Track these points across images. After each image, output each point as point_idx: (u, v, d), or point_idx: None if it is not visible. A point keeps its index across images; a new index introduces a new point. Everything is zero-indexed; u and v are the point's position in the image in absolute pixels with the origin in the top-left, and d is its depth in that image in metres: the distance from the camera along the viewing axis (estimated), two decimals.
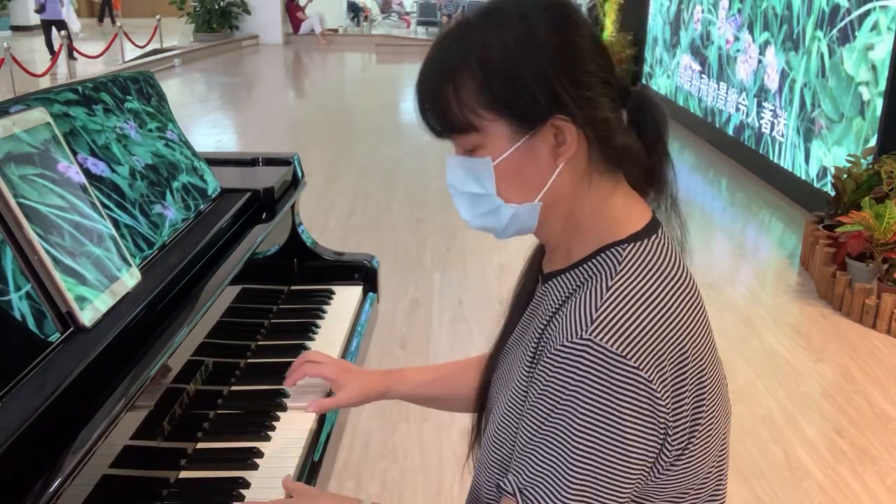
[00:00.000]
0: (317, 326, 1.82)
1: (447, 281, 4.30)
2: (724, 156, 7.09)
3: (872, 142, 4.70)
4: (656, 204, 1.02)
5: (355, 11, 20.96)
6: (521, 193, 0.96)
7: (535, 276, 1.10)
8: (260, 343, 1.73)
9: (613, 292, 0.90)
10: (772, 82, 6.27)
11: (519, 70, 0.91)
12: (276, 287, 1.95)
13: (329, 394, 1.46)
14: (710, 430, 0.94)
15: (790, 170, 5.85)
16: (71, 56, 12.91)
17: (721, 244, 5.12)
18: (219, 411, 1.47)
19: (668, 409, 0.87)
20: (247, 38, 16.92)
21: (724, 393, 0.99)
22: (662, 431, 0.87)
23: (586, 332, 0.87)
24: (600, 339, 0.86)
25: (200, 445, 1.37)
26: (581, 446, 0.85)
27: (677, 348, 0.90)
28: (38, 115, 1.30)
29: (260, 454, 1.34)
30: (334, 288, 2.01)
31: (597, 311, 0.88)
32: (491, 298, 4.06)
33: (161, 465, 1.27)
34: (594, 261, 0.96)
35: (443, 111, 0.95)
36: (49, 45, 13.69)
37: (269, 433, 1.41)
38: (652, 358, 0.87)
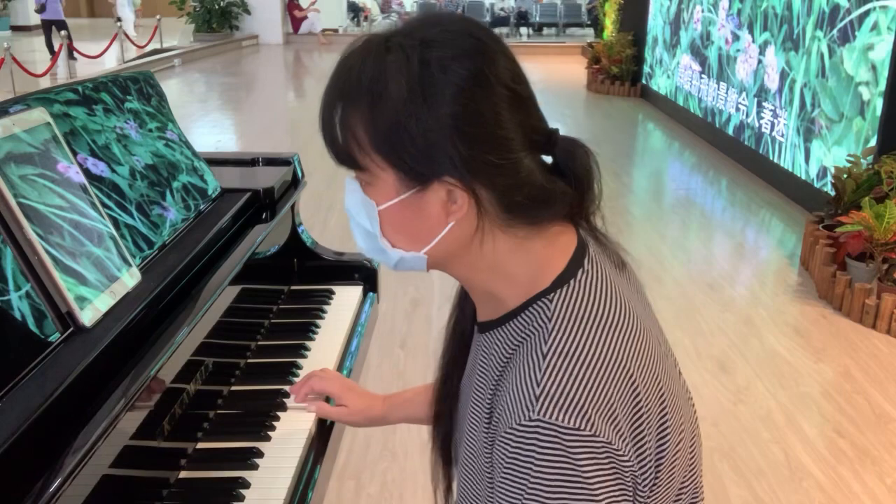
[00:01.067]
0: (317, 326, 1.82)
1: (447, 281, 4.28)
2: (724, 156, 7.09)
3: (872, 142, 4.70)
4: (582, 228, 0.95)
5: (355, 11, 20.96)
6: (407, 243, 0.91)
7: (467, 318, 1.06)
8: (260, 343, 1.73)
9: (550, 359, 0.84)
10: (772, 82, 6.27)
11: (408, 122, 0.83)
12: (276, 287, 1.95)
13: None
14: (677, 455, 0.91)
15: (790, 170, 5.85)
16: (71, 56, 12.91)
17: (721, 244, 5.12)
18: (219, 411, 1.47)
19: (631, 460, 0.83)
20: (247, 38, 16.93)
21: (686, 408, 0.94)
22: (631, 483, 0.84)
23: (533, 412, 0.81)
24: (548, 418, 0.81)
25: (200, 445, 1.37)
26: None
27: (629, 395, 0.85)
28: (38, 115, 1.30)
29: (260, 454, 1.34)
30: (334, 288, 2.01)
31: (538, 385, 0.82)
32: None
33: (161, 465, 1.27)
34: (525, 315, 0.89)
35: (336, 143, 0.89)
36: (49, 45, 13.70)
37: (269, 433, 1.41)
38: (605, 419, 0.82)
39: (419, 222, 0.88)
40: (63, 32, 12.84)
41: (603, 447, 0.81)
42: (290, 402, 1.49)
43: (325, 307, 1.92)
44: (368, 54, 0.86)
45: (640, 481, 0.85)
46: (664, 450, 0.88)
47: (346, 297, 1.99)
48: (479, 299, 0.97)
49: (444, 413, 1.09)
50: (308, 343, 1.74)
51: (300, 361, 1.66)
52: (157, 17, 15.40)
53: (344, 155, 0.89)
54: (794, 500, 2.57)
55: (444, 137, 0.83)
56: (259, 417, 1.44)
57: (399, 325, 3.73)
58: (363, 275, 2.09)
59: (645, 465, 0.86)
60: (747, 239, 5.26)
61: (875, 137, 4.69)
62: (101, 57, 12.74)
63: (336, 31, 19.03)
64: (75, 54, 13.05)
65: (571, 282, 0.89)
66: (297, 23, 17.79)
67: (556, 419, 0.81)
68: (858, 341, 3.70)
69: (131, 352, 1.19)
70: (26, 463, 0.94)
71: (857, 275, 3.96)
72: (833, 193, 4.60)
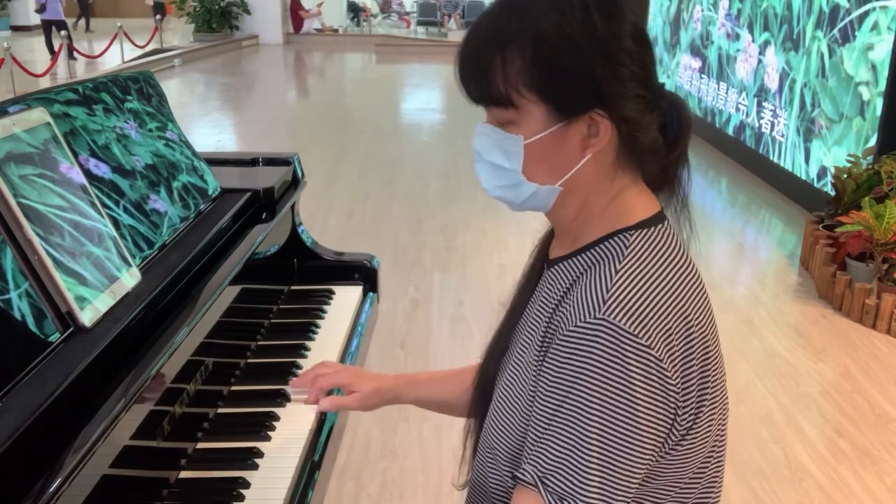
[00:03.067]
0: (317, 326, 1.82)
1: (447, 281, 4.30)
2: (724, 156, 7.09)
3: (872, 142, 4.70)
4: (667, 203, 1.04)
5: (355, 11, 20.96)
6: (544, 176, 0.97)
7: (541, 263, 1.11)
8: (260, 343, 1.73)
9: (623, 274, 0.92)
10: (772, 82, 6.27)
11: (571, 59, 0.92)
12: (276, 287, 1.95)
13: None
14: (713, 411, 0.96)
15: (790, 170, 5.85)
16: (71, 56, 12.92)
17: (721, 244, 5.11)
18: (219, 411, 1.47)
19: (677, 387, 0.89)
20: (247, 38, 16.93)
21: (724, 382, 1.00)
22: (673, 408, 0.89)
23: (599, 311, 0.88)
24: (613, 318, 0.87)
25: (200, 445, 1.37)
26: (596, 427, 0.86)
27: (684, 329, 0.92)
28: (38, 115, 1.30)
29: (260, 454, 1.34)
30: (334, 288, 2.01)
31: (608, 291, 0.90)
32: (491, 298, 4.06)
33: (161, 465, 1.27)
34: (602, 245, 0.97)
35: (486, 81, 0.95)
36: (49, 45, 13.70)
37: (269, 433, 1.41)
38: (662, 336, 0.88)
39: (559, 156, 0.96)
40: (63, 32, 12.85)
41: (656, 362, 0.87)
42: (293, 397, 1.49)
43: (325, 307, 1.92)
44: (528, 4, 0.94)
45: (680, 413, 0.90)
46: (703, 397, 0.94)
47: (346, 297, 1.99)
48: (564, 236, 1.04)
49: (492, 365, 1.12)
50: (308, 343, 1.74)
51: (300, 361, 1.66)
52: (158, 16, 15.40)
53: (497, 95, 0.94)
54: (794, 500, 2.57)
55: (598, 72, 0.92)
56: (259, 417, 1.44)
57: (399, 325, 3.73)
58: (363, 275, 2.09)
59: (688, 399, 0.91)
60: (747, 239, 5.26)
61: (875, 137, 4.69)
62: (101, 57, 12.75)
63: (336, 30, 19.03)
64: (75, 54, 13.05)
65: (652, 228, 0.98)
66: (299, 22, 17.78)
67: (620, 321, 0.87)
68: (858, 341, 3.70)
69: (131, 352, 1.19)
70: (26, 463, 0.94)
71: (857, 275, 3.96)
72: (833, 193, 4.60)
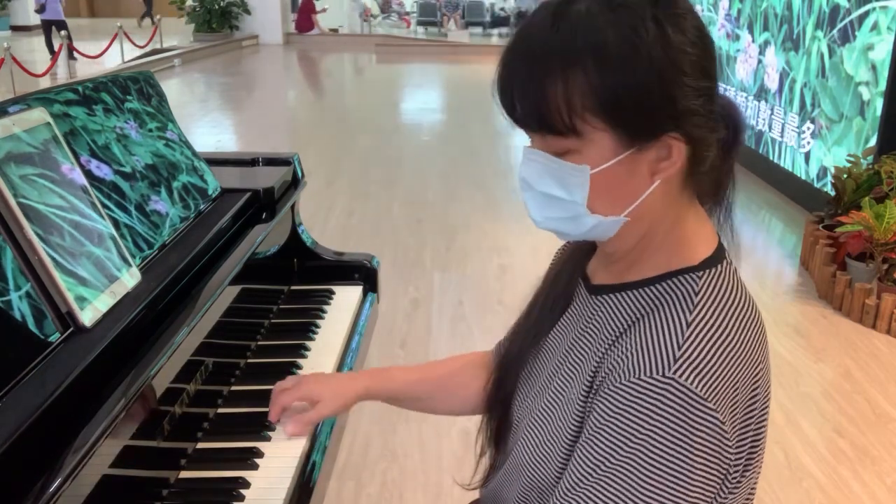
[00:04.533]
0: (317, 326, 1.82)
1: (447, 281, 4.30)
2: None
3: (872, 142, 4.70)
4: (710, 212, 0.98)
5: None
6: (609, 206, 0.89)
7: (572, 279, 1.04)
8: (260, 343, 1.73)
9: (695, 328, 0.85)
10: (772, 82, 6.26)
11: (644, 80, 0.81)
12: (276, 287, 1.95)
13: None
14: (758, 466, 0.92)
15: (790, 170, 5.85)
16: (71, 56, 12.92)
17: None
18: (219, 411, 1.47)
19: (732, 453, 0.84)
20: (247, 38, 16.93)
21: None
22: (723, 474, 0.84)
23: (669, 369, 0.81)
24: (684, 379, 0.81)
25: (200, 445, 1.37)
26: (650, 485, 0.81)
27: (752, 387, 0.87)
28: (38, 115, 1.30)
29: (260, 454, 1.34)
30: (334, 288, 2.01)
31: (679, 348, 0.83)
32: (491, 299, 4.06)
33: (161, 465, 1.27)
34: (665, 285, 0.90)
35: (542, 105, 0.83)
36: (49, 45, 13.70)
37: (269, 433, 1.41)
38: (729, 401, 0.83)
39: (627, 184, 0.87)
40: (63, 32, 12.84)
41: (718, 427, 0.82)
42: (274, 434, 1.39)
43: (325, 307, 1.92)
44: (588, 16, 0.82)
45: (730, 476, 0.85)
46: (755, 450, 0.90)
47: (346, 297, 1.99)
48: (614, 261, 0.97)
49: (513, 375, 1.08)
50: (308, 343, 1.74)
51: (300, 361, 1.66)
52: (158, 16, 15.40)
53: (554, 122, 0.84)
54: (794, 501, 2.57)
55: (677, 92, 0.83)
56: (259, 417, 1.44)
57: (399, 325, 3.73)
58: (363, 275, 2.09)
59: (739, 460, 0.87)
60: (747, 239, 5.27)
61: (875, 137, 4.69)
62: (101, 57, 12.75)
63: (337, 30, 19.03)
64: (75, 54, 13.05)
65: (718, 266, 0.91)
66: (308, 23, 17.74)
67: (691, 384, 0.81)
68: (858, 341, 3.70)
69: (131, 352, 1.19)
70: (26, 463, 0.94)
71: (857, 275, 3.95)
72: (833, 193, 4.60)
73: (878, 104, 4.67)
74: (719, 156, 0.92)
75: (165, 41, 15.34)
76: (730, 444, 0.83)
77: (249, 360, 1.65)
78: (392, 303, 3.90)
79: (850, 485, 2.66)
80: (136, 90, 1.72)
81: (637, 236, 0.92)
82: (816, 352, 3.60)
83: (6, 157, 1.17)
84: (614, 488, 0.82)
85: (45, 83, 10.74)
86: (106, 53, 12.97)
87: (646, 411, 0.81)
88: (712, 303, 0.87)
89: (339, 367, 1.71)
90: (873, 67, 4.76)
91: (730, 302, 0.89)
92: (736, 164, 0.99)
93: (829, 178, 4.82)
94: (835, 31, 5.22)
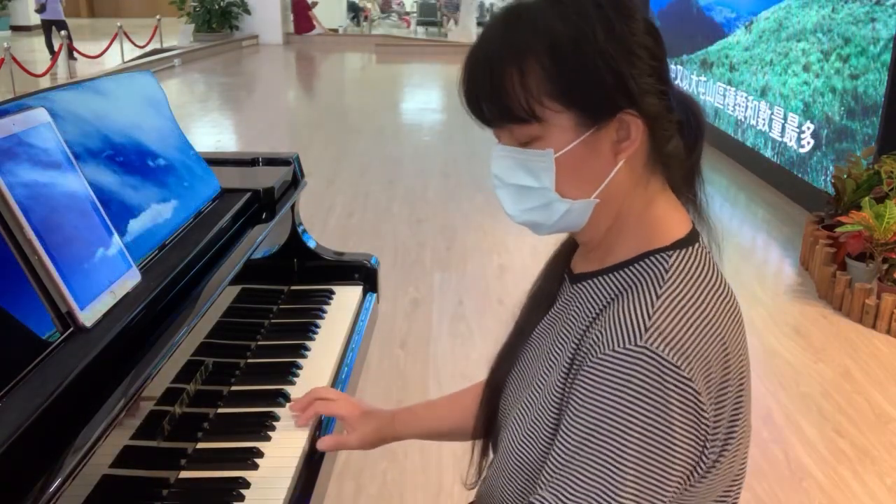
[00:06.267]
0: (317, 326, 1.82)
1: (447, 281, 4.30)
2: (725, 156, 7.09)
3: (872, 142, 4.70)
4: (686, 209, 1.00)
5: (355, 11, 20.96)
6: (578, 189, 0.92)
7: (558, 275, 1.07)
8: (260, 343, 1.73)
9: (665, 300, 0.87)
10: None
11: (592, 60, 0.87)
12: (276, 287, 1.95)
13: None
14: (740, 442, 0.92)
15: (790, 170, 5.85)
16: (71, 56, 12.91)
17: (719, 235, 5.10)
18: (219, 411, 1.47)
19: (710, 421, 0.85)
20: (247, 38, 16.92)
21: (750, 409, 0.98)
22: (703, 441, 0.85)
23: (640, 338, 0.84)
24: (655, 347, 0.83)
25: (200, 445, 1.37)
26: (633, 459, 0.82)
27: (723, 359, 0.88)
28: (38, 115, 1.30)
29: (260, 454, 1.34)
30: (334, 288, 2.01)
31: (650, 318, 0.86)
32: (491, 298, 4.06)
33: (161, 465, 1.27)
34: (638, 266, 0.93)
35: (503, 98, 0.89)
36: (49, 45, 13.70)
37: (269, 433, 1.41)
38: (702, 368, 0.85)
39: (592, 165, 0.91)
40: (63, 32, 12.84)
41: (693, 394, 0.84)
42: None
43: (325, 307, 1.92)
44: (534, 12, 0.90)
45: (708, 446, 0.87)
46: (733, 428, 0.91)
47: (346, 297, 1.99)
48: (590, 249, 1.00)
49: (502, 370, 1.10)
50: (308, 343, 1.74)
51: (300, 361, 1.66)
52: (157, 17, 15.40)
53: (518, 112, 0.89)
54: (794, 501, 2.57)
55: (623, 69, 0.88)
56: (259, 417, 1.44)
57: (399, 325, 3.73)
58: (363, 275, 2.09)
59: (717, 431, 0.88)
60: (747, 239, 5.26)
61: (875, 137, 4.69)
62: (101, 57, 12.75)
63: (336, 31, 19.02)
64: (75, 54, 13.05)
65: (690, 248, 0.94)
66: (307, 24, 17.73)
67: (662, 351, 0.83)
68: (858, 341, 3.70)
69: (131, 352, 1.19)
70: (26, 463, 0.94)
71: (857, 275, 3.95)
72: (833, 193, 4.60)
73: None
74: (684, 150, 0.96)
75: (165, 41, 15.34)
76: (706, 412, 0.85)
77: (249, 360, 1.65)
78: (392, 303, 3.90)
79: (850, 485, 2.66)
80: (135, 90, 1.72)
81: (608, 220, 0.95)
82: (816, 352, 3.60)
83: (6, 157, 1.17)
84: (601, 464, 0.83)
85: (45, 83, 10.74)
86: (106, 53, 12.97)
87: (621, 382, 0.83)
88: (682, 278, 0.90)
89: (339, 367, 1.71)
90: None
91: (700, 278, 0.91)
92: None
93: (829, 178, 4.82)
94: (834, 32, 5.22)
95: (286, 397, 1.50)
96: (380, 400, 2.97)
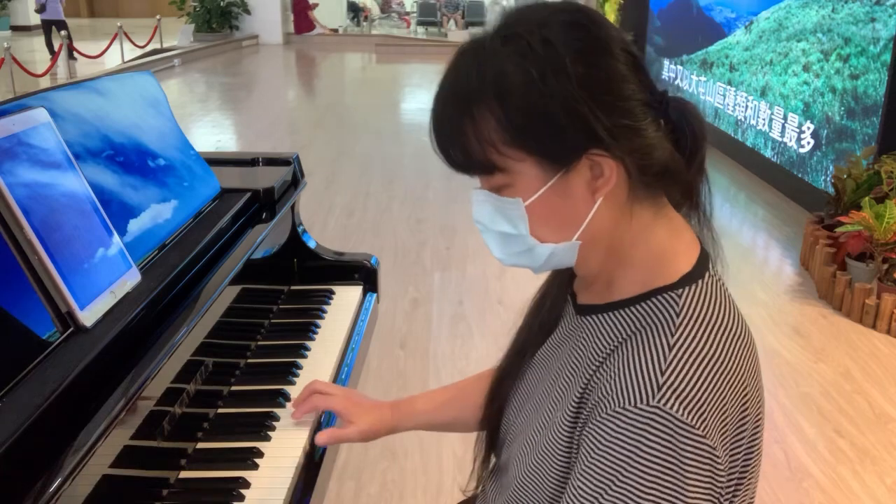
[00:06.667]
0: (317, 326, 1.82)
1: (447, 281, 4.30)
2: (725, 156, 7.09)
3: (872, 142, 4.70)
4: (687, 217, 0.96)
5: (355, 11, 20.96)
6: (558, 233, 0.89)
7: (562, 298, 1.04)
8: (260, 343, 1.73)
9: (677, 351, 0.83)
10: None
11: (544, 103, 0.82)
12: (276, 287, 1.95)
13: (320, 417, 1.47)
14: (751, 482, 0.91)
15: (790, 170, 5.85)
16: (71, 56, 12.92)
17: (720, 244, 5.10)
18: (219, 411, 1.47)
19: (724, 473, 0.83)
20: (247, 38, 16.92)
21: (762, 442, 0.95)
22: (717, 497, 0.83)
23: (653, 398, 0.80)
24: (669, 407, 0.80)
25: (200, 445, 1.37)
26: None
27: (741, 408, 0.86)
28: (38, 114, 1.30)
29: (260, 454, 1.34)
30: (334, 288, 2.01)
31: (662, 374, 0.82)
32: (491, 299, 4.06)
33: (161, 465, 1.27)
34: (646, 306, 0.89)
35: (461, 150, 0.87)
36: (49, 45, 13.70)
37: (269, 433, 1.41)
38: (717, 424, 0.82)
39: (567, 208, 0.88)
40: (63, 32, 12.84)
41: (708, 452, 0.80)
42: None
43: (325, 307, 1.92)
44: (483, 53, 0.85)
45: (723, 496, 0.84)
46: (748, 466, 0.89)
47: (346, 297, 1.99)
48: (590, 282, 0.97)
49: (505, 388, 1.08)
50: (308, 343, 1.74)
51: (300, 361, 1.66)
52: (157, 17, 15.40)
53: (478, 162, 0.87)
54: (794, 501, 2.57)
55: (583, 109, 0.82)
56: (259, 417, 1.44)
57: (399, 325, 3.73)
58: (363, 275, 2.09)
59: (732, 476, 0.86)
60: (747, 239, 5.26)
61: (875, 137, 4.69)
62: (101, 57, 12.74)
63: (336, 31, 19.02)
64: (75, 54, 13.04)
65: (699, 282, 0.89)
66: (307, 24, 17.72)
67: (676, 411, 0.80)
68: (858, 341, 3.70)
69: (131, 352, 1.19)
70: (26, 463, 0.94)
71: (857, 275, 3.95)
72: (833, 193, 4.60)
73: None
74: (681, 160, 0.90)
75: (165, 41, 15.34)
76: (721, 468, 0.82)
77: (249, 360, 1.65)
78: (392, 303, 3.90)
79: (850, 485, 2.66)
80: (135, 90, 1.72)
81: (599, 257, 0.92)
82: (816, 352, 3.60)
83: (6, 157, 1.17)
84: None
85: (45, 83, 10.74)
86: (106, 53, 12.97)
87: (633, 443, 0.80)
88: (694, 323, 0.86)
89: (339, 367, 1.71)
90: None
91: (713, 321, 0.87)
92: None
93: (829, 178, 4.82)
94: (833, 32, 5.22)
95: (286, 397, 1.50)
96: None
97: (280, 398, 1.50)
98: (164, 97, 1.83)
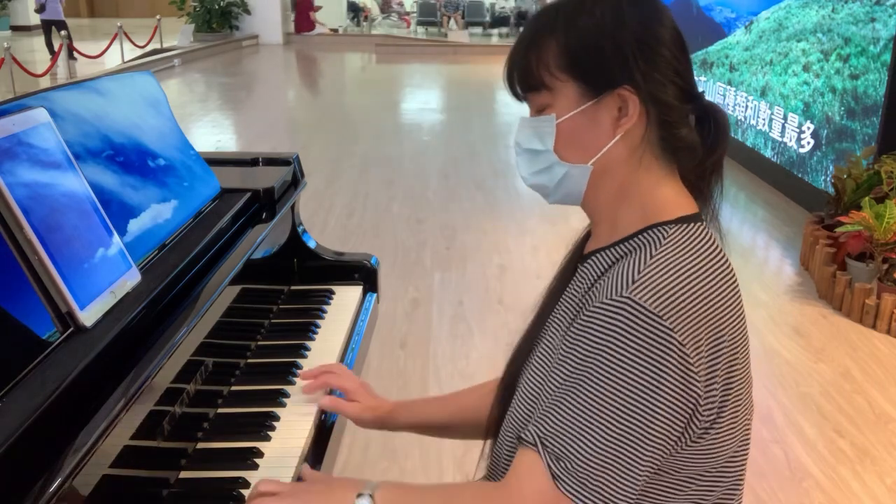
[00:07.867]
0: (317, 326, 1.82)
1: (447, 281, 4.30)
2: (725, 156, 7.09)
3: (872, 142, 4.70)
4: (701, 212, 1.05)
5: (355, 11, 20.96)
6: (576, 154, 1.01)
7: (574, 263, 1.12)
8: (260, 343, 1.73)
9: (657, 260, 0.93)
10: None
11: (599, 39, 0.97)
12: (276, 287, 1.95)
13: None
14: (737, 411, 0.96)
15: (790, 170, 5.85)
16: (71, 56, 12.91)
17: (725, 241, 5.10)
18: (219, 411, 1.47)
19: (700, 378, 0.89)
20: (247, 38, 16.92)
21: (751, 386, 1.01)
22: (693, 398, 0.89)
23: (626, 290, 0.89)
24: (639, 298, 0.88)
25: (200, 445, 1.37)
26: (607, 399, 0.87)
27: (714, 323, 0.92)
28: (38, 114, 1.30)
29: (260, 454, 1.34)
30: (334, 288, 2.01)
31: (639, 273, 0.91)
32: (491, 298, 4.06)
33: (161, 465, 1.27)
34: (637, 237, 0.99)
35: (523, 71, 1.02)
36: (49, 45, 13.70)
37: (269, 433, 1.41)
38: (689, 324, 0.89)
39: (590, 133, 1.00)
40: (63, 32, 12.84)
41: (678, 348, 0.87)
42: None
43: (325, 307, 1.92)
44: (562, 5, 1.01)
45: (702, 404, 0.90)
46: (728, 394, 0.94)
47: (346, 297, 1.99)
48: (600, 225, 1.06)
49: (518, 362, 1.13)
50: (308, 343, 1.74)
51: (300, 361, 1.66)
52: (157, 17, 15.39)
53: (532, 79, 1.01)
54: (794, 501, 2.57)
55: (626, 50, 0.97)
56: (259, 417, 1.44)
57: (399, 325, 3.73)
58: (363, 275, 2.09)
59: (712, 392, 0.91)
60: (747, 239, 5.26)
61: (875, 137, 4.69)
62: (101, 57, 12.74)
63: (336, 30, 19.02)
64: (75, 54, 13.04)
65: (692, 224, 0.99)
66: (308, 24, 17.71)
67: (646, 301, 0.88)
68: (858, 341, 3.70)
69: (131, 352, 1.19)
70: (26, 463, 0.94)
71: (857, 275, 3.96)
72: (833, 193, 4.60)
73: None
74: (702, 146, 1.02)
75: (165, 41, 15.34)
76: (693, 365, 0.88)
77: (249, 360, 1.65)
78: (392, 303, 3.90)
79: (850, 485, 2.66)
80: (135, 90, 1.72)
81: (610, 191, 1.02)
82: (816, 352, 3.60)
83: (6, 157, 1.17)
84: (577, 400, 0.89)
85: (45, 83, 10.74)
86: (106, 53, 12.97)
87: (604, 328, 0.89)
88: (679, 245, 0.95)
89: None
90: None
91: (697, 248, 0.96)
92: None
93: (829, 178, 4.82)
94: (833, 32, 5.22)
95: (286, 397, 1.50)
96: None
97: (280, 398, 1.50)
98: (164, 97, 1.83)
